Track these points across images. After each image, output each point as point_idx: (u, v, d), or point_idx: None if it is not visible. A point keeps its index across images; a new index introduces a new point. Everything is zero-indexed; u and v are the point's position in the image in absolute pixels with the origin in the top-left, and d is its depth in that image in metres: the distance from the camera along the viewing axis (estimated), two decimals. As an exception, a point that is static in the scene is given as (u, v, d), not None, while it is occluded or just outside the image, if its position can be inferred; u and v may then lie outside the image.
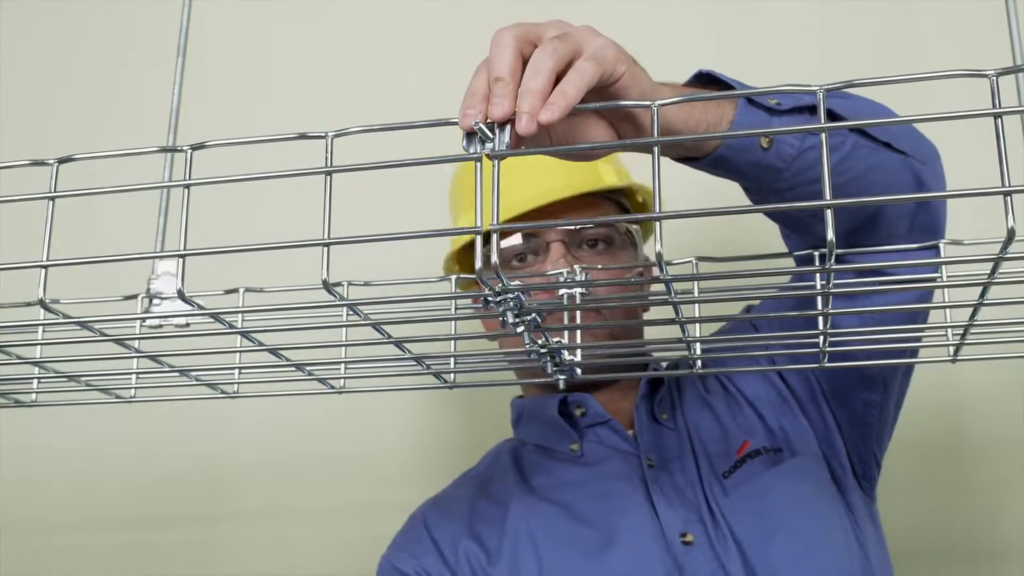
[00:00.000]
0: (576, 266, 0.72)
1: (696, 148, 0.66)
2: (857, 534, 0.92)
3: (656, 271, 0.54)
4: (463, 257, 1.03)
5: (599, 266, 0.89)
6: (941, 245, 0.75)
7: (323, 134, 0.59)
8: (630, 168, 1.03)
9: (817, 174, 0.68)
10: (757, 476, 0.90)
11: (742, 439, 0.93)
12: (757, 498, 0.88)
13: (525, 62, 0.55)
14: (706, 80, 0.71)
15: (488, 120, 0.54)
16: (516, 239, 0.93)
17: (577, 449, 0.96)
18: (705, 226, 1.25)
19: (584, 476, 0.94)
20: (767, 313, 0.92)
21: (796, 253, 0.77)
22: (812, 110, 0.65)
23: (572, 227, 0.91)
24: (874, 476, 0.97)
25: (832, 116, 0.68)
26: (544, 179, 0.94)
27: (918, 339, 0.78)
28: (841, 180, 0.67)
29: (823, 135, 0.51)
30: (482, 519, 0.94)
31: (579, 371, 0.76)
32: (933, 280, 0.75)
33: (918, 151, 0.74)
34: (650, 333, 1.05)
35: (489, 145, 0.55)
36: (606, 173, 0.98)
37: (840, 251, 0.68)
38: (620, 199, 1.00)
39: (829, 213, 0.51)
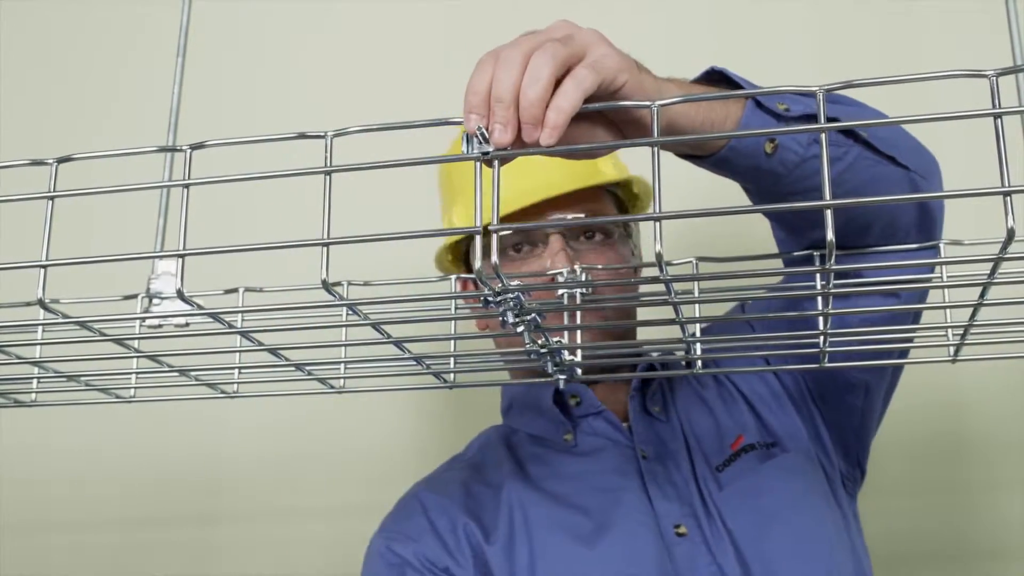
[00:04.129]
0: (576, 266, 0.72)
1: (699, 147, 0.66)
2: (848, 531, 0.92)
3: (652, 271, 0.54)
4: (455, 246, 1.03)
5: (599, 266, 0.89)
6: (941, 245, 0.75)
7: (322, 134, 0.59)
8: (629, 163, 1.03)
9: (818, 183, 0.69)
10: (751, 470, 0.90)
11: (736, 433, 0.93)
12: (751, 493, 0.88)
13: None
14: (717, 78, 0.70)
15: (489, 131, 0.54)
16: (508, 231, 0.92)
17: (571, 439, 0.96)
18: (705, 226, 1.24)
19: (579, 467, 0.93)
20: (763, 312, 0.91)
21: (796, 253, 0.77)
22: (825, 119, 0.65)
23: (564, 225, 0.91)
24: (857, 479, 0.98)
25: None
26: (543, 172, 0.93)
27: (910, 339, 0.79)
28: (841, 191, 0.67)
29: (823, 135, 0.51)
30: (478, 501, 0.93)
31: (579, 371, 0.76)
32: (929, 281, 0.75)
33: (920, 165, 0.74)
34: (650, 333, 1.05)
35: (490, 147, 0.55)
36: (604, 166, 0.98)
37: (839, 253, 0.68)
38: (616, 190, 1.00)
39: (828, 213, 0.51)
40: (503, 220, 0.88)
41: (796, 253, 0.77)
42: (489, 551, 0.88)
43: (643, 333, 1.09)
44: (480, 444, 1.02)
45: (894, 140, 0.73)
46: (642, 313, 1.05)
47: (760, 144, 0.66)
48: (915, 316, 0.83)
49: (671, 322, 0.68)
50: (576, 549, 0.86)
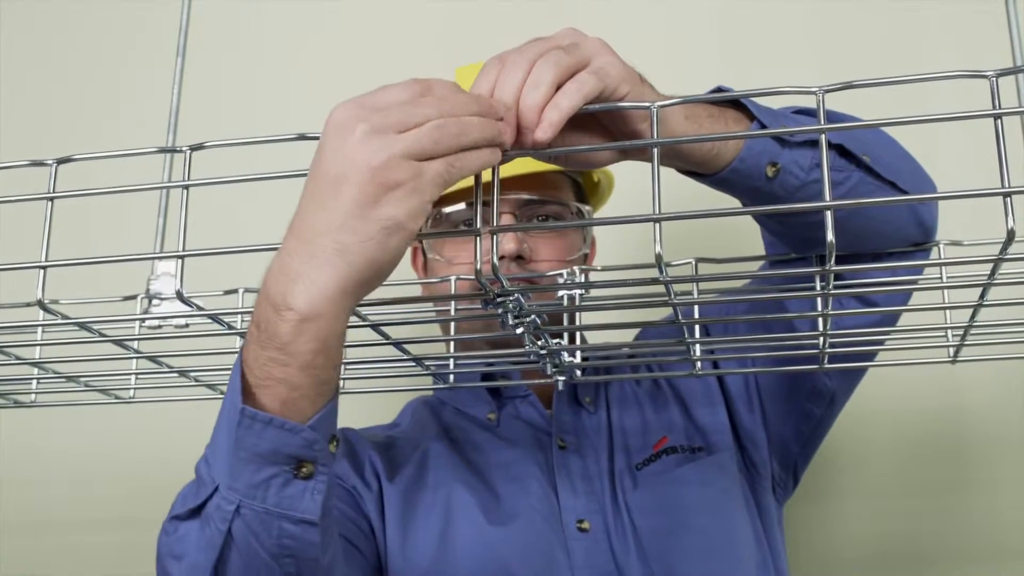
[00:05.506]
0: (576, 267, 0.72)
1: (703, 165, 0.66)
2: (764, 538, 0.91)
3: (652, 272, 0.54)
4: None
5: (598, 267, 0.89)
6: (941, 246, 0.75)
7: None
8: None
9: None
10: (669, 472, 0.90)
11: (661, 434, 0.93)
12: (665, 493, 0.88)
13: None
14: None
15: None
16: (462, 204, 0.91)
17: (494, 419, 0.96)
18: (704, 227, 1.24)
19: (496, 448, 0.94)
20: (726, 313, 0.91)
21: (793, 256, 0.77)
22: (827, 144, 0.65)
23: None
24: (789, 486, 0.98)
25: (842, 151, 0.68)
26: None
27: (881, 342, 0.78)
28: (843, 214, 0.67)
29: (823, 136, 0.51)
30: (395, 447, 0.95)
31: (579, 372, 0.76)
32: (916, 282, 0.75)
33: (919, 189, 0.74)
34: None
35: None
36: None
37: (840, 252, 0.68)
38: (575, 175, 0.99)
39: (829, 214, 0.51)
40: (456, 195, 0.88)
41: (794, 255, 0.77)
42: (387, 488, 0.89)
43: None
44: (409, 416, 1.02)
45: (894, 164, 0.73)
46: (641, 314, 1.05)
47: (762, 167, 0.66)
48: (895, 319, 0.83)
49: (671, 323, 0.68)
50: (483, 525, 0.86)
